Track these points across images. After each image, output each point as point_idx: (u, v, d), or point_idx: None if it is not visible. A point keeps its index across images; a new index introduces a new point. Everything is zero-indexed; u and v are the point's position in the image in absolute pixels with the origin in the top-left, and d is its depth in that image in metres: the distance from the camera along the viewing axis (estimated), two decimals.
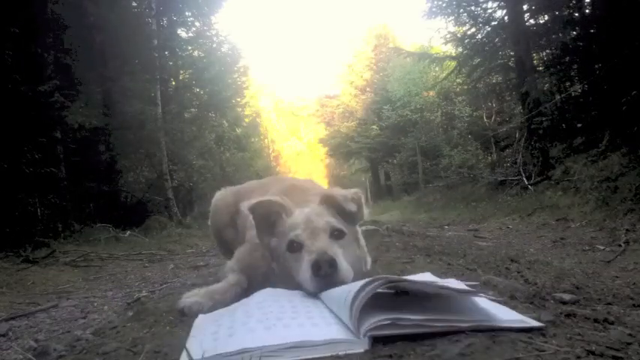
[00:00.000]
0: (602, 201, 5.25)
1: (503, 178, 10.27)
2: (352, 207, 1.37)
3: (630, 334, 0.91)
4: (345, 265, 1.20)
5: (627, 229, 4.01)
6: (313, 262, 1.17)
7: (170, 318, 1.33)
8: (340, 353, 0.82)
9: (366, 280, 0.91)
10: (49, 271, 4.00)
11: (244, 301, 1.19)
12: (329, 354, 0.83)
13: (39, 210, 6.36)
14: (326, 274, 1.15)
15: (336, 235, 1.33)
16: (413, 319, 0.85)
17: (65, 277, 3.73)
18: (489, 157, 15.07)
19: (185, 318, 1.29)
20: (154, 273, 3.82)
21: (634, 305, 1.35)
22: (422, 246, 3.12)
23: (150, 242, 6.83)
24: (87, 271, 4.12)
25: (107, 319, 1.91)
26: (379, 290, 0.88)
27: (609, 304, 1.35)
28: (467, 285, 1.04)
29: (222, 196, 2.36)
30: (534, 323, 0.90)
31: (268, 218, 1.44)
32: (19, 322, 2.23)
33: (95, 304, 2.58)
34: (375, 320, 0.84)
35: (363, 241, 1.64)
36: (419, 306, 0.88)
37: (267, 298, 1.15)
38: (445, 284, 0.92)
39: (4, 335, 1.92)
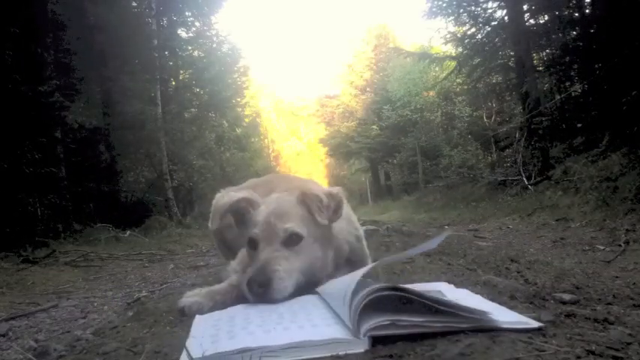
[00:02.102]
0: (602, 201, 5.25)
1: (503, 178, 10.28)
2: (324, 220, 1.35)
3: (630, 334, 0.91)
4: (282, 283, 1.22)
5: (627, 229, 4.01)
6: (247, 281, 1.23)
7: (170, 318, 1.33)
8: (340, 353, 0.82)
9: (365, 281, 0.90)
10: (49, 271, 4.00)
11: (243, 307, 1.20)
12: (329, 354, 0.83)
13: (39, 210, 6.36)
14: (257, 293, 1.19)
15: (292, 241, 1.33)
16: (412, 320, 0.85)
17: (65, 277, 3.72)
18: (489, 157, 15.08)
19: (185, 318, 1.29)
20: (154, 273, 3.82)
21: (634, 305, 1.35)
22: None
23: (150, 242, 6.83)
24: (87, 271, 4.12)
25: (107, 319, 1.91)
26: (382, 294, 0.89)
27: (609, 304, 1.35)
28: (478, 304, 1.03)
29: (222, 197, 2.36)
30: (534, 324, 0.90)
31: (237, 212, 1.46)
32: (19, 322, 2.23)
33: (95, 304, 2.58)
34: (375, 321, 0.84)
35: (364, 245, 1.68)
36: (419, 307, 0.88)
37: (266, 307, 1.16)
38: (454, 302, 0.91)
39: (4, 335, 1.92)
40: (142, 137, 10.94)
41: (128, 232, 7.38)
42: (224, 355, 0.83)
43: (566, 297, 1.41)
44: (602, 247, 3.48)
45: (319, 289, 1.25)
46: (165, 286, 2.94)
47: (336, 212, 1.42)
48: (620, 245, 3.43)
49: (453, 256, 2.68)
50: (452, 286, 1.34)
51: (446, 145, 18.07)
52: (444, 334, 0.84)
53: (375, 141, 23.87)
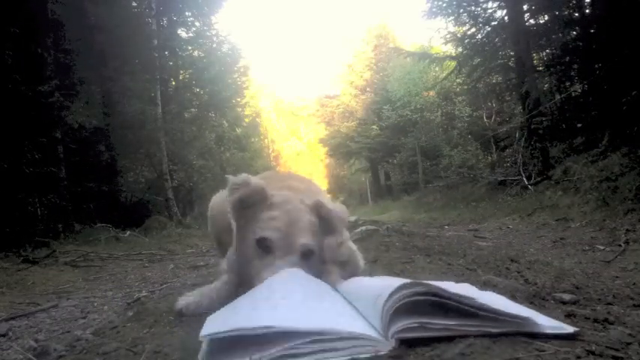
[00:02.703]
0: (602, 201, 5.25)
1: (503, 178, 10.28)
2: (339, 239, 1.34)
3: (630, 334, 0.91)
4: None
5: (627, 229, 4.01)
6: None
7: (170, 318, 1.34)
8: (361, 357, 0.79)
9: (401, 284, 0.86)
10: (49, 271, 4.00)
11: (266, 281, 1.15)
12: (349, 357, 0.78)
13: (39, 210, 6.36)
14: None
15: (306, 255, 1.31)
16: (444, 323, 0.82)
17: (65, 277, 3.72)
18: (489, 157, 15.08)
19: (184, 318, 1.29)
20: (154, 273, 3.82)
21: (634, 305, 1.35)
22: (422, 246, 3.12)
23: (150, 242, 6.83)
24: (87, 271, 4.12)
25: (107, 319, 1.91)
26: (418, 298, 0.85)
27: (609, 304, 1.35)
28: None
29: (219, 199, 2.33)
30: (569, 329, 0.87)
31: (248, 199, 1.38)
32: (19, 322, 2.23)
33: (95, 304, 2.58)
34: (403, 323, 0.82)
35: (351, 245, 1.67)
36: (450, 308, 0.85)
37: (291, 279, 1.12)
38: (489, 305, 0.85)
39: (4, 335, 1.92)
40: (142, 137, 10.93)
41: (128, 232, 7.38)
42: (244, 331, 0.78)
43: (566, 297, 1.41)
44: (602, 247, 3.48)
45: (339, 287, 1.21)
46: (165, 286, 2.94)
47: (342, 233, 1.43)
48: (620, 245, 3.43)
49: (453, 256, 2.68)
50: (475, 288, 1.30)
51: (446, 145, 18.06)
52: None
53: (375, 141, 23.87)
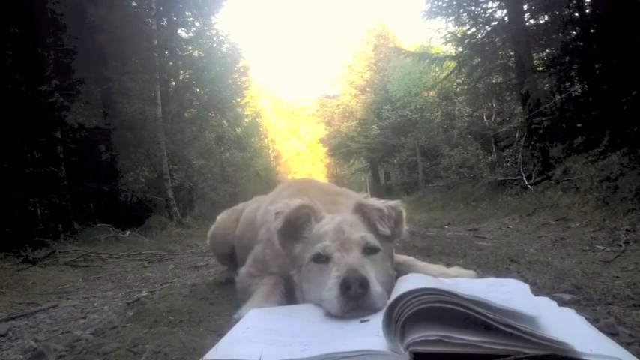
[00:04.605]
0: (602, 201, 5.25)
1: (503, 178, 10.29)
2: (386, 230, 1.22)
3: (630, 334, 0.91)
4: (377, 288, 1.05)
5: (627, 229, 4.01)
6: (342, 280, 1.03)
7: (170, 318, 1.34)
8: None
9: (413, 288, 0.78)
10: (49, 271, 4.00)
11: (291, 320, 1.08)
12: None
13: (39, 210, 6.37)
14: (355, 295, 1.01)
15: (369, 251, 1.20)
16: (465, 339, 0.72)
17: (65, 277, 3.72)
18: (489, 157, 15.09)
19: (185, 318, 1.29)
20: (154, 273, 3.82)
21: (634, 305, 1.35)
22: (422, 246, 3.12)
23: (150, 242, 6.83)
24: (87, 271, 4.12)
25: (107, 319, 1.91)
26: (429, 305, 0.76)
27: (609, 304, 1.35)
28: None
29: (221, 221, 2.33)
30: (618, 354, 0.75)
31: (295, 222, 1.29)
32: (19, 322, 2.22)
33: (95, 304, 2.58)
34: (421, 335, 0.74)
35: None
36: (473, 321, 0.74)
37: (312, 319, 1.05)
38: (520, 324, 0.73)
39: (4, 335, 1.92)
40: (142, 137, 10.95)
41: (128, 232, 7.38)
42: None
43: (566, 297, 1.41)
44: (602, 247, 3.48)
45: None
46: (165, 286, 2.94)
47: (397, 224, 1.32)
48: (620, 245, 3.42)
49: (453, 256, 2.68)
50: (552, 301, 1.08)
51: (446, 145, 18.08)
52: None
53: (375, 141, 23.89)
